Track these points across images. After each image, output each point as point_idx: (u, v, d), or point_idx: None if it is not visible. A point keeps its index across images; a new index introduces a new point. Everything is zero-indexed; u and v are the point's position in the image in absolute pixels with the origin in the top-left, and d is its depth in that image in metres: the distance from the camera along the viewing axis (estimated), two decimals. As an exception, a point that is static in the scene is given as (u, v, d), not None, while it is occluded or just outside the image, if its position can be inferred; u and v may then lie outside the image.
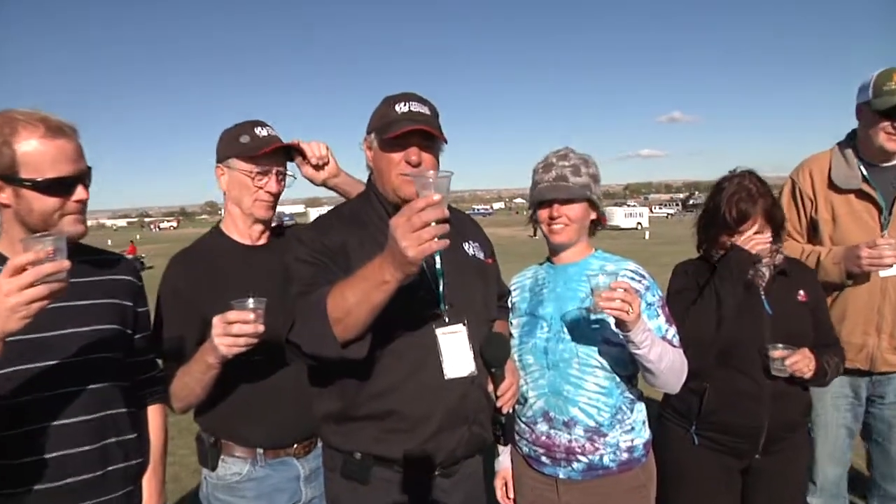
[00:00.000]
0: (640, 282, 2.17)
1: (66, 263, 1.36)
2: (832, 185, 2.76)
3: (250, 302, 1.75)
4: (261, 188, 2.13)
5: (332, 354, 1.65)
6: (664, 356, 2.03)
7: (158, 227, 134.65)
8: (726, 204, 2.29)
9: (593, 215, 2.27)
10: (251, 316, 1.73)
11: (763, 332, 2.28)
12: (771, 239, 2.28)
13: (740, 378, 2.28)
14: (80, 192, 1.70)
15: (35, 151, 1.60)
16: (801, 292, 2.38)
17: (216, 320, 1.77)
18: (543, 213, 2.23)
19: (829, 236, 2.74)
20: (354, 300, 1.57)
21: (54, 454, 1.67)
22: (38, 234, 1.44)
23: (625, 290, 1.86)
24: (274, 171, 2.15)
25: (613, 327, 2.05)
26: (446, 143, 1.97)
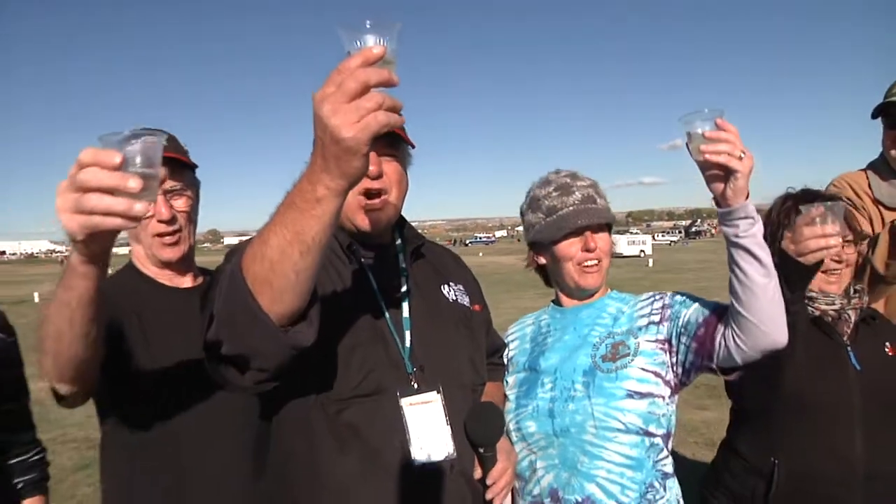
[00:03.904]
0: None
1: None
2: (877, 202, 2.53)
3: (119, 136, 0.96)
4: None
5: (268, 342, 1.13)
6: (770, 264, 1.49)
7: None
8: (790, 206, 1.85)
9: None
10: (117, 159, 0.92)
11: (850, 393, 1.81)
12: (842, 242, 1.72)
13: (823, 450, 1.80)
14: None
15: None
16: (888, 344, 1.93)
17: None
18: (572, 248, 1.78)
19: (884, 259, 2.35)
20: (280, 242, 1.04)
21: None
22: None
23: (734, 132, 1.40)
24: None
25: (640, 372, 1.63)
26: (413, 146, 1.59)
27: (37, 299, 20.17)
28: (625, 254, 55.21)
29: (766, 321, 1.47)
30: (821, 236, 1.55)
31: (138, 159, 0.93)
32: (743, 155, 1.39)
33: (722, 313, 1.60)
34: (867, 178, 2.57)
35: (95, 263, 1.08)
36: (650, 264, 40.07)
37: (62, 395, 1.39)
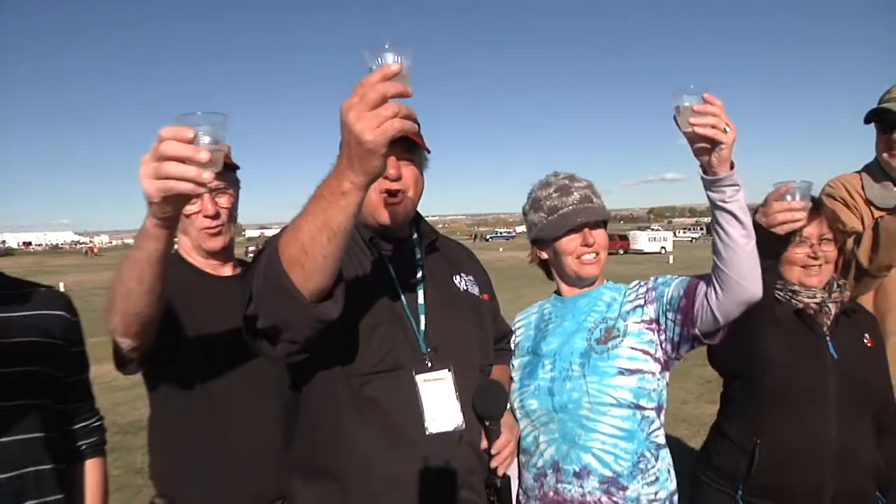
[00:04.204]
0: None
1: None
2: (869, 203, 2.61)
3: (195, 117, 1.16)
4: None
5: (298, 316, 1.31)
6: (750, 226, 1.60)
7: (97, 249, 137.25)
8: None
9: None
10: (190, 134, 1.11)
11: (827, 380, 1.94)
12: (805, 218, 1.81)
13: (799, 432, 1.94)
14: None
15: None
16: (867, 335, 2.06)
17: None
18: (572, 243, 1.93)
19: (867, 254, 2.45)
20: (311, 228, 1.22)
21: None
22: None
23: (720, 106, 1.49)
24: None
25: (629, 350, 1.79)
26: (429, 151, 1.75)
27: (62, 289, 20.50)
28: (645, 250, 54.22)
29: (746, 276, 1.60)
30: (787, 209, 1.70)
31: (207, 136, 1.12)
32: (727, 127, 1.47)
33: (699, 282, 1.74)
34: (861, 179, 2.66)
35: (165, 227, 1.24)
36: (671, 261, 39.44)
37: (124, 356, 1.58)
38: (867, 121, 2.58)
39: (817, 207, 2.01)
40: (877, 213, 2.55)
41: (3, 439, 1.50)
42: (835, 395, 1.92)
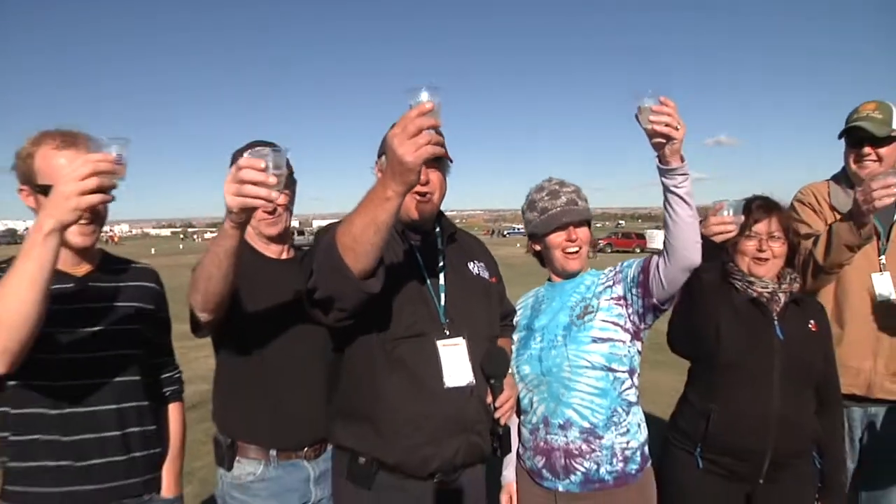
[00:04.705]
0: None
1: (123, 169, 1.47)
2: (833, 209, 2.86)
3: (265, 150, 1.55)
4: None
5: (350, 289, 1.69)
6: (695, 208, 1.95)
7: (203, 237, 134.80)
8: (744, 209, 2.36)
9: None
10: (262, 165, 1.51)
11: (773, 357, 2.27)
12: (736, 229, 2.18)
13: (746, 401, 2.27)
14: None
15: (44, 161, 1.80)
16: (812, 322, 2.38)
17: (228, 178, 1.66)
18: (558, 238, 2.30)
19: (822, 253, 2.75)
20: (361, 223, 1.61)
21: (87, 436, 1.84)
22: (104, 138, 1.53)
23: (673, 107, 1.79)
24: None
25: (601, 322, 2.19)
26: (451, 161, 2.12)
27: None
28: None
29: (689, 246, 1.97)
30: (720, 223, 2.09)
31: (273, 165, 1.51)
32: (679, 126, 1.79)
33: (651, 258, 2.12)
34: (829, 187, 2.92)
35: (239, 229, 1.64)
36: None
37: (199, 324, 1.93)
38: (840, 137, 2.85)
39: (769, 211, 2.36)
40: (839, 218, 2.80)
41: (113, 379, 1.90)
42: (779, 371, 2.25)
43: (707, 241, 2.07)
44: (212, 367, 2.28)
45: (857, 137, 2.77)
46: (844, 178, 2.91)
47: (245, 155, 1.52)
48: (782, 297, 2.35)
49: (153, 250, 40.44)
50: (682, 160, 1.88)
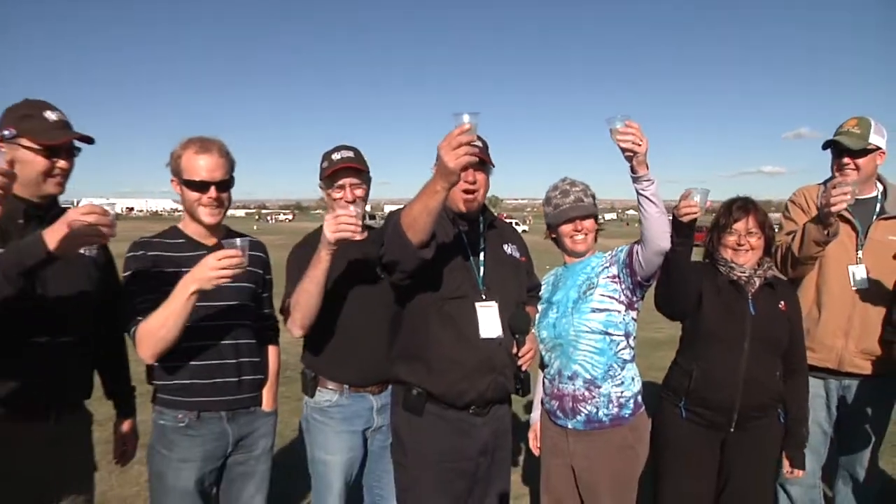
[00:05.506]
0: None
1: (245, 261, 2.17)
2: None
3: (358, 209, 2.36)
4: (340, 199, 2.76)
5: (409, 255, 2.20)
6: (661, 205, 2.37)
7: (276, 218, 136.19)
8: (724, 207, 2.85)
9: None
10: (353, 212, 2.31)
11: (745, 328, 2.71)
12: (700, 211, 2.52)
13: (721, 363, 2.72)
14: (211, 191, 2.43)
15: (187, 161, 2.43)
16: (783, 302, 2.81)
17: (328, 217, 2.37)
18: (568, 229, 2.82)
19: (798, 247, 3.11)
20: (418, 208, 2.12)
21: (212, 361, 2.44)
22: (233, 239, 2.26)
23: (637, 128, 2.19)
24: (348, 185, 2.76)
25: (599, 296, 2.69)
26: (493, 166, 2.65)
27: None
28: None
29: (658, 235, 2.43)
30: (687, 205, 2.49)
31: (357, 210, 2.28)
32: (641, 142, 2.19)
33: (634, 244, 2.58)
34: (819, 190, 3.26)
35: (332, 254, 2.35)
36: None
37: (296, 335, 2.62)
38: (824, 148, 3.25)
39: (747, 210, 2.80)
40: None
41: (233, 321, 2.48)
42: (749, 340, 2.70)
43: (677, 221, 2.52)
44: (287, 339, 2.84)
45: (837, 150, 3.16)
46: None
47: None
48: (758, 281, 2.81)
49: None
50: (647, 168, 2.30)
